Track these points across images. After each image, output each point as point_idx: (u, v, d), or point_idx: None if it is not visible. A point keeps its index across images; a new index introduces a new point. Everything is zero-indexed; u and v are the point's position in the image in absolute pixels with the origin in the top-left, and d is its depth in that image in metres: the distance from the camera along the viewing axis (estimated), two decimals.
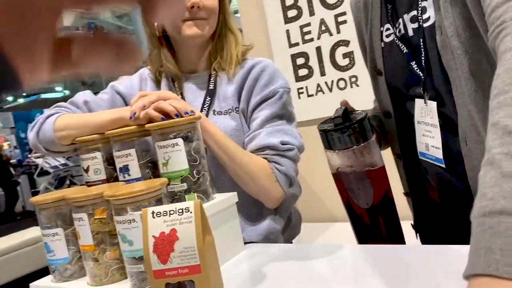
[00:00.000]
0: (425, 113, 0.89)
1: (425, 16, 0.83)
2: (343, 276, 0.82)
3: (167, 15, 0.27)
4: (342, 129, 0.83)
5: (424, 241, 1.11)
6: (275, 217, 1.17)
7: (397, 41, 0.90)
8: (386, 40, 0.95)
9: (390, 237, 0.94)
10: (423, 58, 0.85)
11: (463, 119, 0.81)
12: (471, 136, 0.80)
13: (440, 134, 0.87)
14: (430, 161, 0.92)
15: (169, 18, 0.28)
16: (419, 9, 0.85)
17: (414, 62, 0.88)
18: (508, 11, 0.61)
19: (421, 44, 0.85)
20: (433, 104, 0.86)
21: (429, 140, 0.90)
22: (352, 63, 2.28)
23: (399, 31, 0.90)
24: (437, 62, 0.83)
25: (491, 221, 0.45)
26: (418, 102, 0.91)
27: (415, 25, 0.86)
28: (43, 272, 1.00)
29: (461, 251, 0.79)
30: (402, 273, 0.79)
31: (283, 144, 1.10)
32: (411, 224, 1.12)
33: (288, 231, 1.22)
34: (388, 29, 0.93)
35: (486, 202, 0.47)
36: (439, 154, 0.88)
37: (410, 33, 0.88)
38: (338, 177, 0.89)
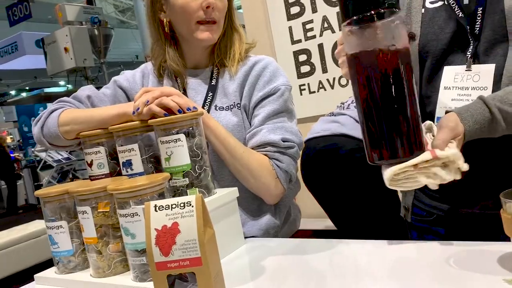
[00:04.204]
0: (464, 78, 0.93)
1: None
2: (341, 271, 0.84)
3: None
4: None
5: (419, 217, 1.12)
6: (274, 212, 1.18)
7: (453, 5, 0.94)
8: (430, 6, 0.98)
9: (409, 140, 0.76)
10: (477, 25, 0.91)
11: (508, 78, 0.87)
12: None
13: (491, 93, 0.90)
14: None
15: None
16: None
17: (468, 28, 0.92)
18: None
19: (480, 10, 0.91)
20: (490, 66, 0.91)
21: (462, 103, 0.92)
22: None
23: None
24: (495, 26, 0.88)
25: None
26: (450, 69, 0.95)
27: None
28: (47, 264, 1.02)
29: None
30: (404, 269, 0.81)
31: (284, 141, 1.12)
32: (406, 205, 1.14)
33: (288, 225, 1.24)
34: None
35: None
36: None
37: (465, 1, 0.93)
38: (356, 56, 0.76)
